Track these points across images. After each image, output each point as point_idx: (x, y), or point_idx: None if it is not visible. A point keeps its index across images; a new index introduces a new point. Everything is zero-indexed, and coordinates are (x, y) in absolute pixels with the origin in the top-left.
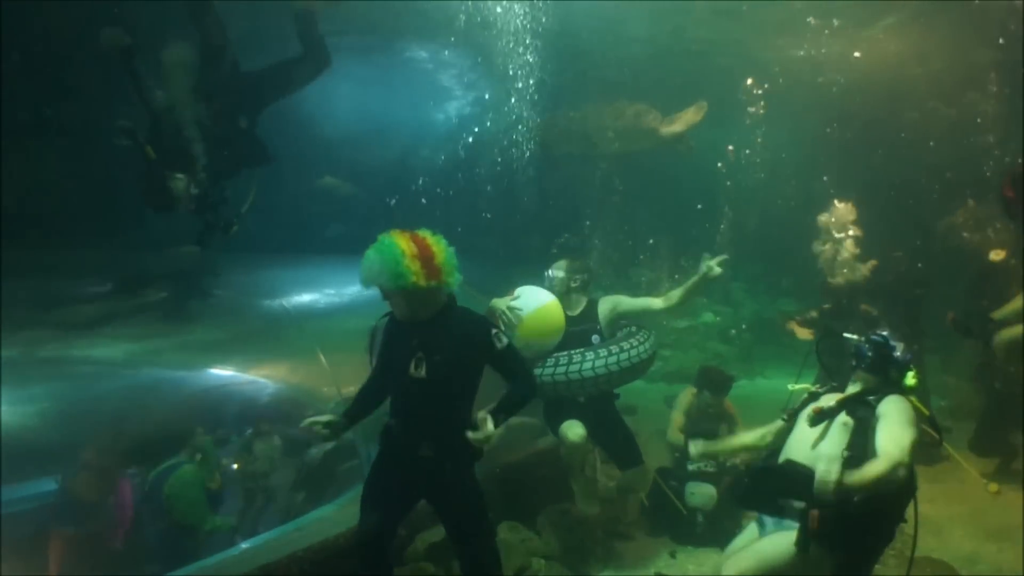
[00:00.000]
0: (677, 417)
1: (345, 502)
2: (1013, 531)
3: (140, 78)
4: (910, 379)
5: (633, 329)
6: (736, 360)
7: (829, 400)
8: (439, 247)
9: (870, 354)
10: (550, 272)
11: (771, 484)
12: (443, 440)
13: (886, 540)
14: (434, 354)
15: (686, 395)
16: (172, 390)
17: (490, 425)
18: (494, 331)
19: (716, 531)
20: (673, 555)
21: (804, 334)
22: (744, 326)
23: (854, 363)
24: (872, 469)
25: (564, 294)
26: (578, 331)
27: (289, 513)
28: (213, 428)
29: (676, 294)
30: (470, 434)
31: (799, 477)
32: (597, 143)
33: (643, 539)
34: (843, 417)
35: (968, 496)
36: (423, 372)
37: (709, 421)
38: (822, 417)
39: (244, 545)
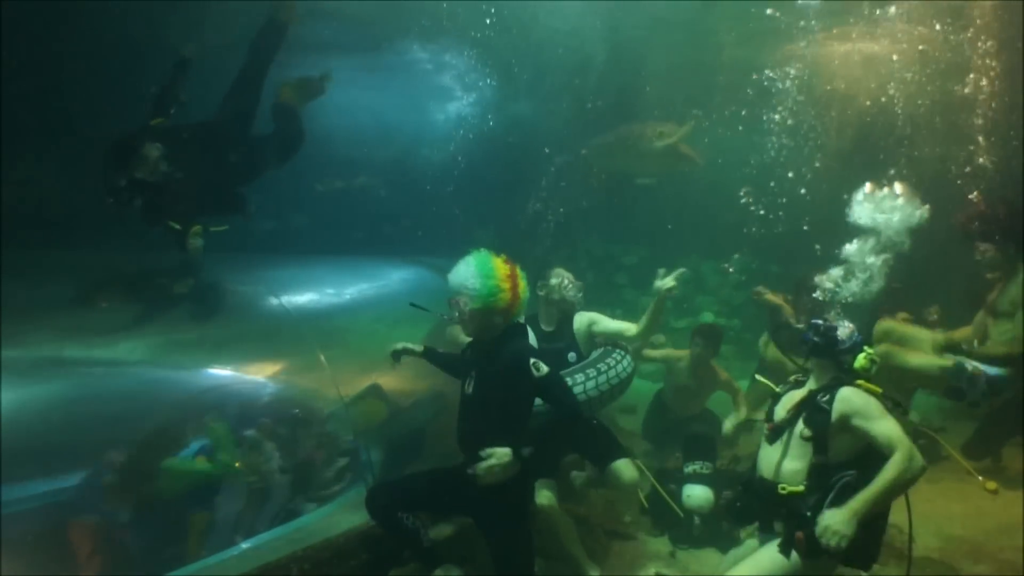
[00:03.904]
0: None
1: (345, 502)
2: (1013, 530)
3: (176, 93)
4: (861, 360)
5: (609, 348)
6: (736, 359)
7: (782, 410)
8: (522, 277)
9: (814, 339)
10: (556, 279)
11: (755, 501)
12: None
13: (880, 534)
14: (482, 375)
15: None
16: (171, 390)
17: (500, 452)
18: (532, 360)
19: (714, 533)
20: (673, 555)
21: (766, 294)
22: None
23: (805, 353)
24: (888, 475)
25: (557, 303)
26: (553, 349)
27: (287, 513)
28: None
29: (644, 320)
30: (479, 466)
31: (774, 500)
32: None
33: (643, 539)
34: (802, 429)
35: (967, 495)
36: (471, 389)
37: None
38: (778, 432)
39: (244, 545)
